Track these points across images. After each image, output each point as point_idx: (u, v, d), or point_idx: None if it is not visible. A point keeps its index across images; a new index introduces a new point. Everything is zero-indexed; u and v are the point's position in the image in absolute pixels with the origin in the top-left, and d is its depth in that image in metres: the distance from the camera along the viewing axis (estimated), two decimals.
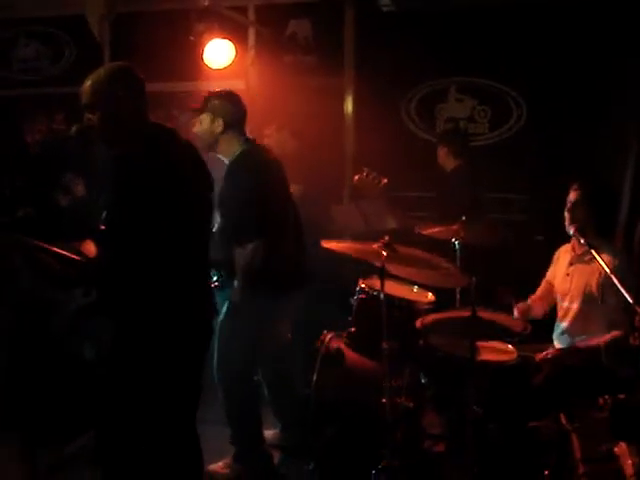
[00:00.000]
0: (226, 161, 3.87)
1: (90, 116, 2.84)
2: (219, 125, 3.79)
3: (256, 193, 3.68)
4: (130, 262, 2.73)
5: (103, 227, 2.82)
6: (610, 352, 3.52)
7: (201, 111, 3.84)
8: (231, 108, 3.84)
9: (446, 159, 5.26)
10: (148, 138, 2.85)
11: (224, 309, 3.79)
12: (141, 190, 2.71)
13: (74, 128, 2.98)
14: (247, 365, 3.90)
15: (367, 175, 4.40)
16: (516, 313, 4.06)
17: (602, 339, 3.61)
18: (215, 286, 3.83)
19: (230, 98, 3.90)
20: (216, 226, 3.92)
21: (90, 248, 3.30)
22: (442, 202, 5.15)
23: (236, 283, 3.72)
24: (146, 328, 2.80)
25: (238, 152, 3.82)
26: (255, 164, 3.79)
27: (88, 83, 2.83)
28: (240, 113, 3.89)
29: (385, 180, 4.40)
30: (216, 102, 3.84)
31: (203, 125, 3.83)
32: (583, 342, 3.71)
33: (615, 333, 3.58)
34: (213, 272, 3.81)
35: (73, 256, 2.89)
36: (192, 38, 5.41)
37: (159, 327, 2.80)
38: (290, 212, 4.00)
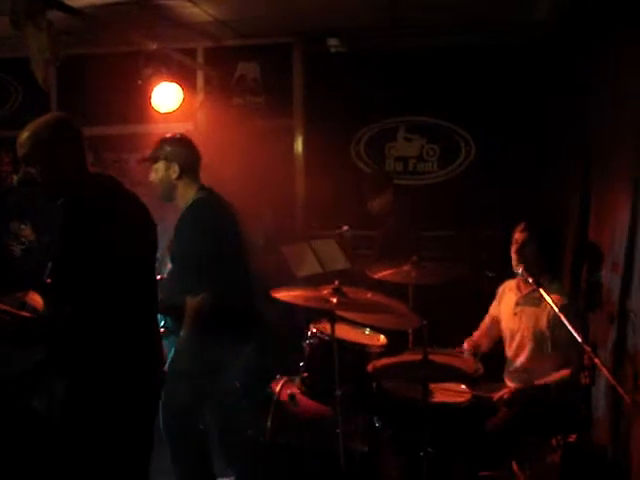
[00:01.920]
0: (182, 207, 3.79)
1: (29, 169, 2.79)
2: (175, 171, 3.72)
3: (206, 243, 3.60)
4: (78, 313, 2.68)
5: (49, 280, 2.77)
6: (561, 390, 3.55)
7: (155, 159, 3.77)
8: (185, 153, 3.78)
9: (389, 200, 5.27)
10: (90, 187, 2.81)
11: (170, 356, 3.73)
12: (86, 239, 2.67)
13: (16, 178, 2.93)
14: (192, 414, 3.78)
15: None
16: (466, 346, 4.08)
17: (552, 377, 3.64)
18: (162, 332, 3.78)
19: (183, 143, 3.84)
20: (167, 272, 3.88)
21: (36, 299, 3.24)
22: (393, 241, 5.17)
23: (182, 331, 3.65)
24: (97, 379, 2.75)
25: (192, 200, 3.74)
26: (207, 213, 3.72)
27: (25, 135, 2.78)
28: (194, 157, 3.83)
29: (346, 227, 4.43)
30: (169, 148, 3.76)
31: (159, 173, 3.76)
32: (535, 381, 3.73)
33: (565, 372, 3.61)
34: (161, 318, 3.77)
35: (20, 313, 2.82)
36: (140, 82, 5.38)
37: (110, 377, 2.75)
38: (242, 260, 3.93)
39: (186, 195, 3.76)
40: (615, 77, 3.71)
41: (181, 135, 3.92)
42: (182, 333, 3.65)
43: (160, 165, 3.75)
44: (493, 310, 4.16)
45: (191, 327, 3.61)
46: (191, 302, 3.57)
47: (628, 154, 3.34)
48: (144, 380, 2.89)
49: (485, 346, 4.14)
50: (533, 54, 5.55)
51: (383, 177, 5.59)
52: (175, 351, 3.70)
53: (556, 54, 5.18)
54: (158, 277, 3.58)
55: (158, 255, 3.79)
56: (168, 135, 3.89)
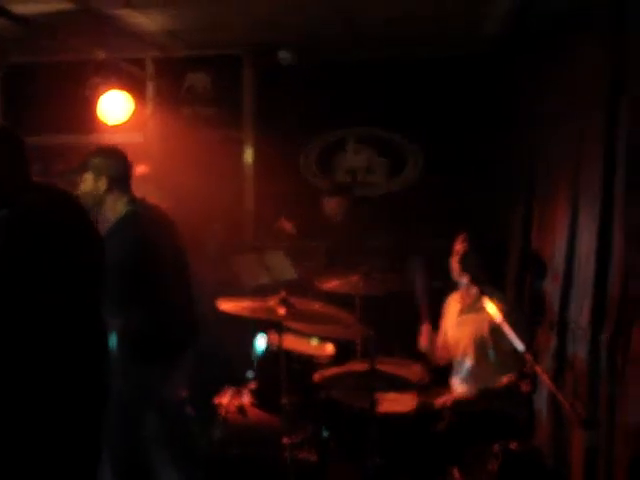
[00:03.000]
0: (112, 220, 3.66)
1: None
2: (103, 184, 3.60)
3: (130, 261, 3.47)
4: (14, 335, 2.61)
5: None
6: (503, 397, 3.61)
7: (82, 170, 3.65)
8: (115, 165, 3.65)
9: (339, 209, 5.32)
10: (30, 200, 2.75)
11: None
12: (18, 257, 2.60)
13: None
14: (132, 433, 3.70)
15: (283, 221, 4.43)
16: (423, 341, 4.12)
17: (496, 384, 3.71)
18: None
19: (113, 155, 3.71)
20: None
21: None
22: (342, 252, 5.21)
23: (114, 349, 3.60)
24: (31, 411, 2.66)
25: (123, 213, 3.64)
26: (135, 228, 3.61)
27: None
28: (125, 170, 3.71)
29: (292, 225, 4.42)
30: (97, 160, 3.64)
31: (86, 185, 3.62)
32: (479, 388, 3.79)
33: (507, 379, 3.68)
34: None
35: None
36: (88, 92, 5.33)
37: (50, 398, 2.68)
38: (177, 274, 3.82)
39: (115, 208, 3.65)
40: (556, 91, 3.81)
41: (112, 147, 3.82)
42: (114, 353, 3.60)
43: (88, 176, 3.64)
44: (442, 324, 4.23)
45: (120, 346, 3.52)
46: (116, 321, 3.44)
47: (569, 168, 3.44)
48: (87, 397, 2.81)
49: (441, 360, 4.18)
50: (482, 67, 5.64)
51: (337, 184, 5.70)
52: (114, 368, 3.66)
53: (505, 68, 5.29)
54: None
55: None
56: (99, 147, 3.81)
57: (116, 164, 3.67)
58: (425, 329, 4.18)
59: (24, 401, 2.59)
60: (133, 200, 3.70)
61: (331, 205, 5.35)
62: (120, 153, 3.74)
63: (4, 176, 2.72)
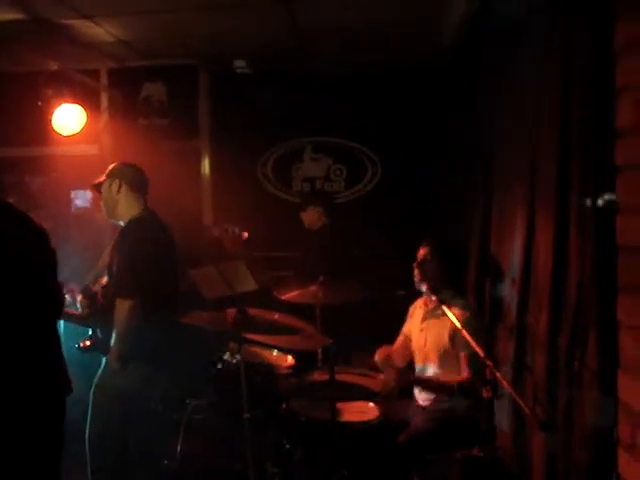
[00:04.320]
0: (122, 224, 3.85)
1: None
2: (116, 186, 3.82)
3: (140, 255, 3.64)
4: None
5: None
6: (463, 391, 3.62)
7: (106, 178, 3.88)
8: (129, 171, 3.90)
9: (317, 218, 5.32)
10: None
11: (100, 370, 3.68)
12: None
13: None
14: (118, 433, 3.69)
15: (227, 230, 4.41)
16: (377, 357, 4.12)
17: (456, 379, 3.72)
18: (86, 345, 3.71)
19: (128, 164, 3.98)
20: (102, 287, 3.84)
21: None
22: (309, 261, 5.19)
23: (112, 343, 3.59)
24: None
25: (132, 218, 3.81)
26: (145, 231, 3.77)
27: None
28: (138, 178, 3.93)
29: (246, 234, 4.41)
30: (115, 168, 3.91)
31: (104, 190, 3.87)
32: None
33: (464, 376, 3.70)
34: (92, 329, 3.76)
35: None
36: (40, 103, 5.25)
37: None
38: (175, 285, 3.95)
39: (128, 213, 3.84)
40: (509, 96, 3.86)
41: (130, 162, 4.05)
42: (112, 344, 3.59)
43: (105, 183, 3.87)
44: (405, 328, 4.23)
45: (119, 342, 3.56)
46: (122, 303, 3.56)
47: (524, 171, 3.46)
48: (35, 410, 2.78)
49: (398, 362, 4.18)
50: (438, 77, 5.71)
51: (311, 195, 5.69)
52: (104, 365, 3.68)
53: (460, 77, 5.33)
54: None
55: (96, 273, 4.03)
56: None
57: (131, 172, 3.93)
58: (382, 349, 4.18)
59: None
60: (146, 209, 3.90)
61: (309, 216, 5.33)
62: (137, 166, 4.02)
63: None
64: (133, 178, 3.90)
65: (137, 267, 3.62)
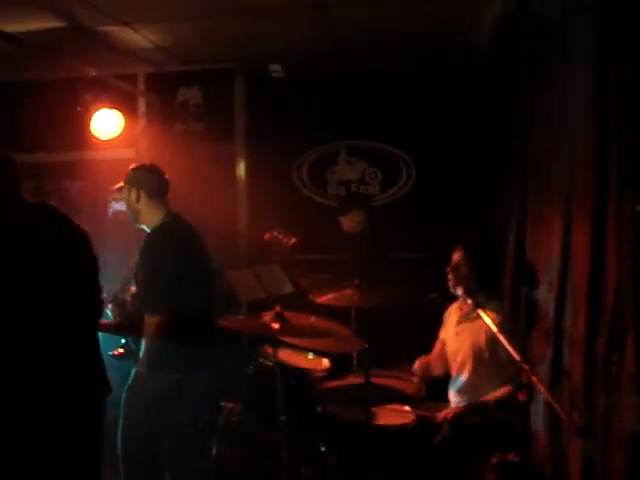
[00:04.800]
0: (148, 231, 3.85)
1: None
2: (135, 195, 3.81)
3: (165, 268, 3.62)
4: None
5: None
6: (500, 408, 3.61)
7: (124, 185, 3.89)
8: (147, 177, 3.87)
9: (357, 223, 5.30)
10: (19, 220, 2.77)
11: (130, 379, 3.71)
12: (7, 274, 2.63)
13: None
14: (151, 440, 3.74)
15: (277, 234, 4.43)
16: (417, 366, 4.12)
17: (493, 395, 3.70)
18: (119, 353, 3.76)
19: (147, 169, 3.93)
20: (130, 295, 3.88)
21: None
22: (344, 264, 5.20)
23: (141, 353, 3.63)
24: (20, 415, 2.68)
25: (156, 225, 3.80)
26: (170, 239, 3.76)
27: None
28: (158, 183, 3.89)
29: (294, 239, 4.43)
30: (132, 174, 3.88)
31: (124, 197, 3.89)
32: (477, 399, 3.79)
33: (505, 389, 3.68)
34: (121, 338, 3.82)
35: None
36: (79, 109, 5.34)
37: (34, 412, 2.69)
38: (204, 287, 3.93)
39: (151, 220, 3.83)
40: (545, 97, 3.83)
41: (149, 163, 4.04)
42: (141, 354, 3.63)
43: (125, 189, 3.87)
44: (441, 334, 4.22)
45: (148, 351, 3.58)
46: (149, 318, 3.56)
47: (561, 174, 3.44)
48: (74, 411, 2.83)
49: (438, 369, 4.18)
50: (474, 78, 5.67)
51: (351, 198, 5.68)
52: (135, 373, 3.69)
53: (495, 78, 5.31)
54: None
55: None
56: (137, 164, 4.02)
57: (149, 177, 3.88)
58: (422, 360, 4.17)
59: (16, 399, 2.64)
60: (169, 213, 3.86)
61: (349, 221, 5.30)
62: (155, 167, 3.97)
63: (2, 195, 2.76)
64: (151, 184, 3.85)
65: (161, 283, 3.61)
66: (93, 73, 5.32)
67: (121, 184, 3.93)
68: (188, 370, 3.75)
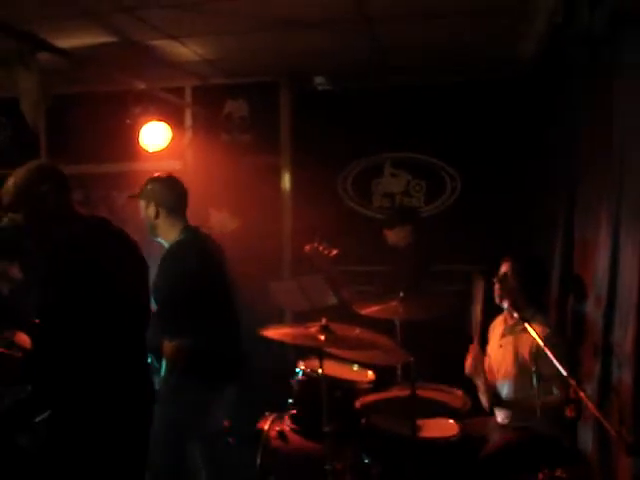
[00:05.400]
0: (166, 246, 3.78)
1: (13, 215, 2.84)
2: (152, 210, 3.73)
3: (184, 287, 3.56)
4: (63, 355, 2.70)
5: (36, 321, 2.79)
6: (547, 414, 3.55)
7: (138, 197, 3.81)
8: (164, 192, 3.77)
9: (403, 237, 5.24)
10: (74, 232, 2.84)
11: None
12: (65, 285, 2.69)
13: (5, 219, 2.96)
14: (175, 454, 3.73)
15: (318, 245, 4.44)
16: (467, 363, 4.07)
17: (541, 400, 3.65)
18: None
19: (164, 182, 3.82)
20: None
21: (24, 338, 3.26)
22: (389, 276, 5.18)
23: (162, 372, 3.66)
24: (80, 417, 2.75)
25: (175, 240, 3.73)
26: (187, 256, 3.67)
27: (10, 183, 2.86)
28: (176, 197, 3.80)
29: (335, 251, 4.44)
30: (149, 187, 3.79)
31: (142, 212, 3.80)
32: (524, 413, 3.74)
33: (552, 397, 3.62)
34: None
35: (4, 351, 2.85)
36: (128, 121, 5.44)
37: (93, 414, 2.76)
38: (228, 303, 3.91)
39: (169, 235, 3.75)
40: (595, 109, 3.79)
41: (165, 175, 3.91)
42: (162, 376, 3.65)
43: (142, 203, 3.79)
44: (488, 349, 4.19)
45: (169, 371, 3.60)
46: (168, 347, 3.55)
47: (610, 187, 3.40)
48: (131, 416, 2.89)
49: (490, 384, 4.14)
50: (519, 90, 5.62)
51: (398, 212, 5.67)
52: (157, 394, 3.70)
53: (540, 89, 5.27)
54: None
55: None
56: (154, 174, 3.91)
57: (167, 192, 3.77)
58: (472, 349, 4.07)
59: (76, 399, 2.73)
60: (187, 228, 3.78)
61: (396, 235, 5.23)
62: (173, 181, 3.85)
63: (51, 210, 2.85)
64: (169, 199, 3.76)
65: (178, 310, 3.55)
66: (142, 86, 5.42)
67: (137, 193, 3.84)
68: (213, 387, 3.74)
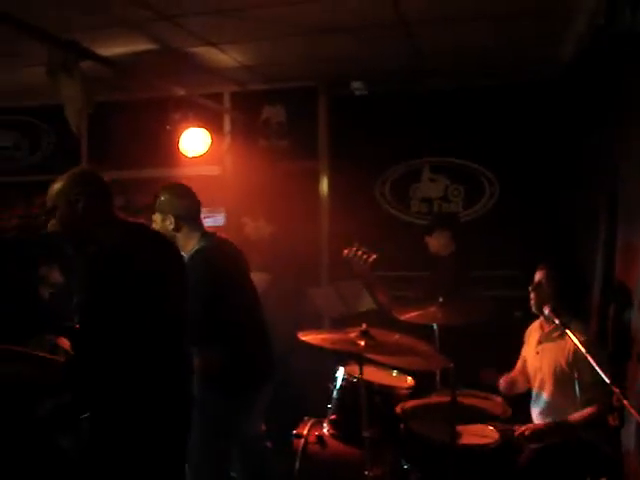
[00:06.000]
0: (185, 257, 3.72)
1: (53, 220, 2.89)
2: (171, 223, 3.71)
3: (203, 296, 3.52)
4: (103, 360, 2.73)
5: (77, 326, 2.82)
6: (587, 428, 3.51)
7: (152, 211, 3.79)
8: (180, 203, 3.75)
9: (446, 243, 5.22)
10: (114, 238, 2.86)
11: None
12: (105, 291, 2.71)
13: (49, 228, 3.00)
14: (214, 460, 3.75)
15: (357, 250, 4.43)
16: (502, 383, 4.06)
17: (579, 414, 3.61)
18: None
19: (178, 193, 3.79)
20: None
21: (66, 343, 3.31)
22: (429, 282, 5.16)
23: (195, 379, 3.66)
24: (122, 420, 2.78)
25: (194, 250, 3.71)
26: (210, 264, 3.66)
27: (51, 189, 2.92)
28: (191, 206, 3.79)
29: (374, 256, 4.44)
30: (163, 200, 3.76)
31: (157, 225, 3.75)
32: (559, 419, 3.70)
33: (590, 409, 3.58)
34: None
35: (47, 356, 2.89)
36: (168, 127, 5.50)
37: (135, 418, 2.79)
38: (253, 306, 3.92)
39: (187, 244, 3.74)
40: (635, 114, 3.74)
41: (177, 184, 3.90)
42: (196, 383, 3.66)
43: (157, 217, 3.76)
44: (523, 352, 4.17)
45: (200, 380, 3.58)
46: (199, 363, 3.48)
47: None
48: (171, 419, 2.92)
49: (521, 386, 4.12)
50: (557, 92, 5.59)
51: (436, 218, 5.65)
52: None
53: (580, 92, 5.21)
54: None
55: None
56: (165, 184, 3.90)
57: (182, 202, 3.75)
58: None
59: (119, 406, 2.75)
60: (204, 235, 3.78)
61: (436, 241, 5.21)
62: (186, 190, 3.82)
63: (92, 215, 2.88)
64: (185, 210, 3.73)
65: (206, 318, 3.54)
66: (181, 92, 5.47)
67: (153, 202, 3.82)
68: (247, 392, 3.75)
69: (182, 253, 3.70)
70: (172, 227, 3.70)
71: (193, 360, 3.20)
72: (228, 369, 3.60)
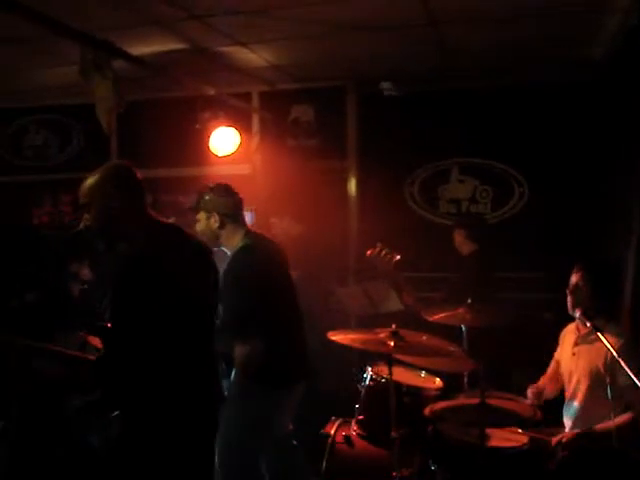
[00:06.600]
0: (229, 253, 3.82)
1: (87, 216, 2.89)
2: (216, 221, 3.77)
3: (252, 292, 3.60)
4: (134, 358, 2.74)
5: (109, 325, 2.84)
6: (622, 436, 3.47)
7: (197, 210, 3.84)
8: (224, 201, 3.81)
9: (463, 243, 5.26)
10: (146, 236, 2.86)
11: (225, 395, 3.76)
12: (135, 291, 2.71)
13: (82, 224, 3.01)
14: (247, 457, 3.76)
15: (380, 250, 4.43)
16: (530, 394, 4.03)
17: (614, 421, 3.57)
18: None
19: (221, 191, 3.86)
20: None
21: (96, 341, 3.33)
22: (458, 284, 5.15)
23: (233, 376, 3.69)
24: (151, 417, 2.79)
25: (239, 246, 3.77)
26: (255, 260, 3.72)
27: (84, 184, 2.88)
28: (234, 204, 3.85)
29: (398, 256, 4.43)
30: (208, 198, 3.82)
31: (201, 224, 3.82)
32: (595, 426, 3.66)
33: (627, 416, 3.54)
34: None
35: (77, 354, 2.91)
36: (198, 126, 5.53)
37: (164, 415, 2.80)
38: (293, 304, 3.94)
39: (232, 242, 3.80)
40: None
41: (219, 183, 3.94)
42: (232, 379, 3.69)
43: (202, 215, 3.82)
44: (557, 355, 4.12)
45: (240, 375, 3.64)
46: (240, 350, 3.57)
47: None
48: (199, 419, 2.92)
49: (550, 392, 4.08)
50: (588, 93, 5.54)
51: (458, 218, 5.66)
52: (227, 397, 3.73)
53: (612, 92, 5.16)
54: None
55: None
56: (207, 184, 3.94)
57: (226, 200, 3.82)
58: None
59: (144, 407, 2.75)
60: (248, 233, 3.83)
61: (455, 240, 5.24)
62: (229, 188, 3.88)
63: (126, 212, 2.87)
64: (230, 207, 3.80)
65: (248, 314, 3.58)
66: (211, 92, 5.49)
67: (194, 204, 3.87)
68: (283, 388, 3.76)
69: (225, 249, 3.82)
70: (217, 225, 3.77)
71: (220, 361, 3.21)
72: (266, 367, 3.61)
